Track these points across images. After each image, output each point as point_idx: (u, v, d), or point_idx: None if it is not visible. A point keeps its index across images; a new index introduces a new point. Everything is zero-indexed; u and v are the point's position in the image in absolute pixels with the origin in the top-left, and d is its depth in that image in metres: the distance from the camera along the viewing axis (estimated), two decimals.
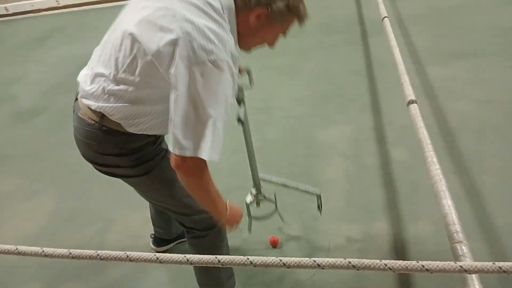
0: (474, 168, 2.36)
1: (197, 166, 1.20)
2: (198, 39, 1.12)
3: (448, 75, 3.36)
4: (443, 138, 2.63)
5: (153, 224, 2.13)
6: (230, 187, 2.53)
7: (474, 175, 2.30)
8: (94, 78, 1.30)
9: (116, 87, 1.24)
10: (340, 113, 3.12)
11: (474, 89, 3.12)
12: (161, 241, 2.15)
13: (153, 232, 2.16)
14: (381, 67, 3.68)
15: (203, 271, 1.74)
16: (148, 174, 1.42)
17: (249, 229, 2.01)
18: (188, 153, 1.16)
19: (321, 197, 2.04)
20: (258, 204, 2.00)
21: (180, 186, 1.47)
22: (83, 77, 1.36)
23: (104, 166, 1.41)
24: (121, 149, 1.36)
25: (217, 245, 1.66)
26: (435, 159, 1.66)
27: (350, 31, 4.59)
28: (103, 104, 1.27)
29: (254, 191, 1.96)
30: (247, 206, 1.93)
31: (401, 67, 2.42)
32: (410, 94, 2.12)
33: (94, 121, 1.31)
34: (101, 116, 1.29)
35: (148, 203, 2.00)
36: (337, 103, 3.26)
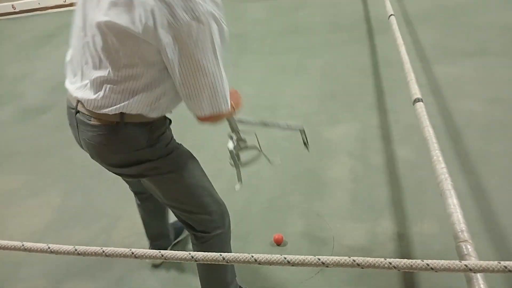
0: (480, 167, 2.34)
1: (218, 115, 1.30)
2: (173, 1, 1.08)
3: (455, 74, 3.34)
4: (449, 136, 2.62)
5: (150, 239, 2.07)
6: (236, 182, 2.53)
7: (480, 174, 2.29)
8: (96, 85, 1.23)
9: (124, 83, 1.20)
10: (346, 111, 3.11)
11: (481, 88, 3.10)
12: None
13: (150, 246, 2.09)
14: (387, 65, 3.66)
15: (210, 273, 1.70)
16: (178, 171, 1.41)
17: (239, 179, 1.82)
18: (208, 113, 1.26)
19: (307, 139, 1.92)
20: (238, 157, 1.82)
21: (202, 185, 1.50)
22: (80, 90, 1.28)
23: (135, 164, 1.35)
24: (149, 139, 1.33)
25: (224, 247, 1.65)
26: (440, 158, 1.65)
27: (356, 29, 4.58)
28: (120, 104, 1.23)
29: (234, 135, 1.79)
30: (232, 153, 1.75)
31: (407, 65, 2.41)
32: (416, 92, 2.12)
33: (115, 122, 1.26)
34: (121, 114, 1.25)
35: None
36: (343, 101, 3.25)
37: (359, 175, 2.46)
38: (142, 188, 1.75)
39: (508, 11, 4.35)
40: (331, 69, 3.82)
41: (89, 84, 1.25)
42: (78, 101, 1.30)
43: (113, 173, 1.44)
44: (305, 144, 1.93)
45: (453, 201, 1.48)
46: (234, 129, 1.73)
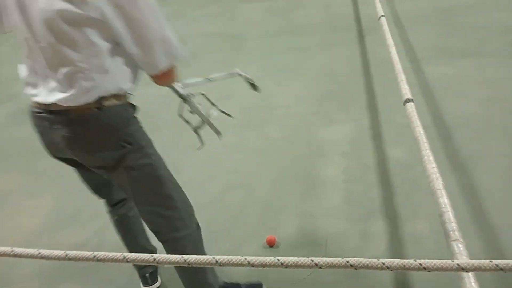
0: (471, 166, 2.36)
1: (173, 70, 1.38)
2: None
3: (446, 74, 3.36)
4: (440, 136, 2.63)
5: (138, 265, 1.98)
6: (231, 185, 2.55)
7: (471, 174, 2.31)
8: (68, 81, 1.27)
9: (92, 66, 1.26)
10: (339, 111, 3.13)
11: (472, 88, 3.12)
12: (150, 275, 2.00)
13: (140, 271, 1.98)
14: (378, 66, 3.68)
15: (190, 278, 1.70)
16: (151, 161, 1.47)
17: (217, 132, 1.82)
18: (167, 65, 1.34)
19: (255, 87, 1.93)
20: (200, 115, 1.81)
21: (172, 181, 1.54)
22: (51, 94, 1.31)
23: (116, 149, 1.40)
24: (126, 119, 1.40)
25: (197, 249, 1.65)
26: (431, 158, 1.66)
27: (348, 30, 4.60)
28: (96, 89, 1.29)
29: (185, 98, 1.77)
30: (198, 111, 1.75)
31: (398, 66, 2.42)
32: (406, 92, 2.13)
33: (95, 108, 1.31)
34: (99, 99, 1.31)
35: None
36: (336, 102, 3.27)
37: (352, 175, 2.47)
38: (118, 194, 1.76)
39: (501, 12, 4.37)
40: (326, 69, 3.84)
41: (59, 85, 1.29)
42: (49, 104, 1.33)
43: (94, 167, 1.47)
44: (252, 85, 1.95)
45: (444, 201, 1.49)
46: (182, 95, 1.72)
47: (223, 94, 3.64)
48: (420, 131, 1.80)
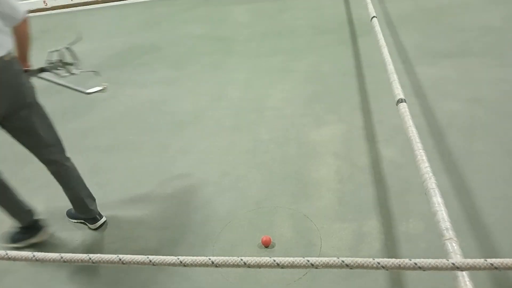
0: (463, 165, 2.38)
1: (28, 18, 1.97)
2: None
3: (437, 74, 3.40)
4: (432, 136, 2.65)
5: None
6: (223, 187, 2.54)
7: (464, 173, 2.33)
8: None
9: None
10: (331, 112, 3.14)
11: (462, 88, 3.16)
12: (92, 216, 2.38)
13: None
14: (370, 67, 3.70)
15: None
16: (40, 104, 2.10)
17: (81, 91, 2.26)
18: (24, 12, 1.92)
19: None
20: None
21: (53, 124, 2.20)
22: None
23: (31, 90, 2.04)
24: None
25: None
26: (424, 158, 1.68)
27: (339, 31, 4.62)
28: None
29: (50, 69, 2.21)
30: (55, 81, 2.20)
31: (390, 67, 2.44)
32: (399, 93, 2.14)
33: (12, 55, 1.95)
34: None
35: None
36: (328, 103, 3.28)
37: (345, 176, 2.48)
38: None
39: (488, 12, 4.44)
40: (316, 71, 3.85)
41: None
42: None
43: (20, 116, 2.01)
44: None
45: (437, 200, 1.50)
46: (42, 69, 2.15)
47: (214, 97, 3.65)
48: (413, 131, 1.82)
